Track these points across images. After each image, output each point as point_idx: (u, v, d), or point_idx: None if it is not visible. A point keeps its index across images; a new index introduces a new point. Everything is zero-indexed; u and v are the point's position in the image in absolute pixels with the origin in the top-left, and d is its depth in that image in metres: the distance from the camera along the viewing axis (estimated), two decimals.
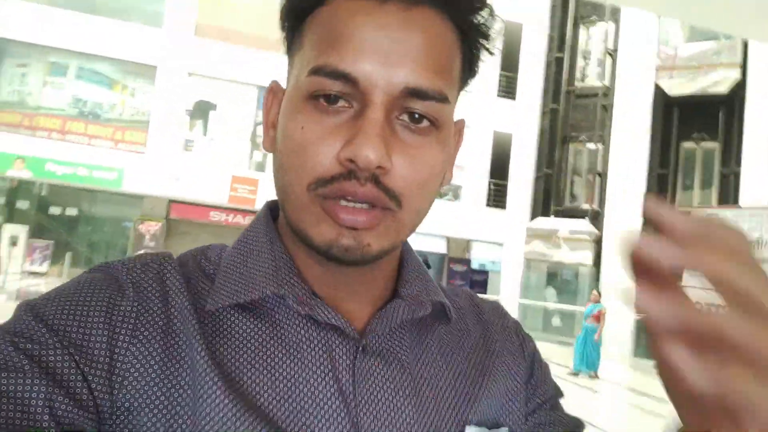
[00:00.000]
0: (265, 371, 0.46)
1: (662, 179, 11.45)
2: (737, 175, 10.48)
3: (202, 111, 12.22)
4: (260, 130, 12.54)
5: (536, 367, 0.59)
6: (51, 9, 11.31)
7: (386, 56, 0.43)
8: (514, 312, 9.96)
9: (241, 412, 0.43)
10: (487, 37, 0.49)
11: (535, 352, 0.60)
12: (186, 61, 11.91)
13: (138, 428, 0.42)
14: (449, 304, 0.54)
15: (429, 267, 0.55)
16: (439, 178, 0.49)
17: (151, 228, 11.79)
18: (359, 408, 0.46)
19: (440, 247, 13.34)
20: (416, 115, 0.45)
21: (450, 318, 0.54)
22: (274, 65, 10.79)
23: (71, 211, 12.49)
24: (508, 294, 12.92)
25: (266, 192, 11.19)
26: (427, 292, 0.53)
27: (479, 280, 13.45)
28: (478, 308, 0.60)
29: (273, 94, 0.52)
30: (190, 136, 12.16)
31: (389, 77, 0.43)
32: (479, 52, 0.50)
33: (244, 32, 11.81)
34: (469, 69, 0.50)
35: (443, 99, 0.45)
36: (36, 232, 11.89)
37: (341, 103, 0.44)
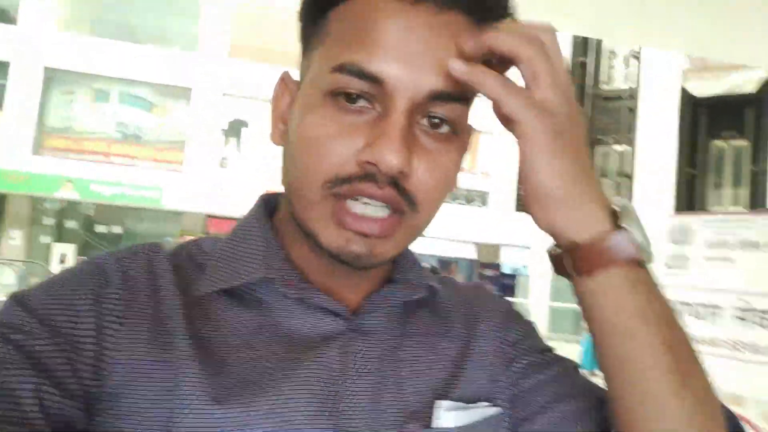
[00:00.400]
0: (252, 353, 0.46)
1: (691, 179, 11.39)
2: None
3: (235, 129, 12.71)
4: None
5: (519, 330, 0.58)
6: (93, 39, 12.00)
7: (414, 59, 0.42)
8: (544, 315, 10.02)
9: (219, 393, 0.43)
10: None
11: (518, 317, 0.60)
12: (219, 81, 12.44)
13: (126, 413, 0.42)
14: (439, 288, 0.55)
15: (436, 273, 0.60)
16: (454, 183, 0.48)
17: None
18: (344, 386, 0.47)
19: (470, 253, 13.48)
20: (436, 120, 0.45)
21: (438, 302, 0.55)
22: None
23: (116, 229, 13.11)
24: (537, 297, 12.96)
25: None
26: (420, 277, 0.54)
27: (509, 284, 13.52)
28: (460, 292, 0.59)
29: (284, 85, 0.51)
30: (225, 153, 12.65)
31: (416, 81, 0.42)
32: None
33: (275, 51, 12.28)
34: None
35: (464, 100, 0.45)
36: (83, 250, 12.51)
37: (362, 103, 0.43)
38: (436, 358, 0.53)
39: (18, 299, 0.43)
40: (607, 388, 0.48)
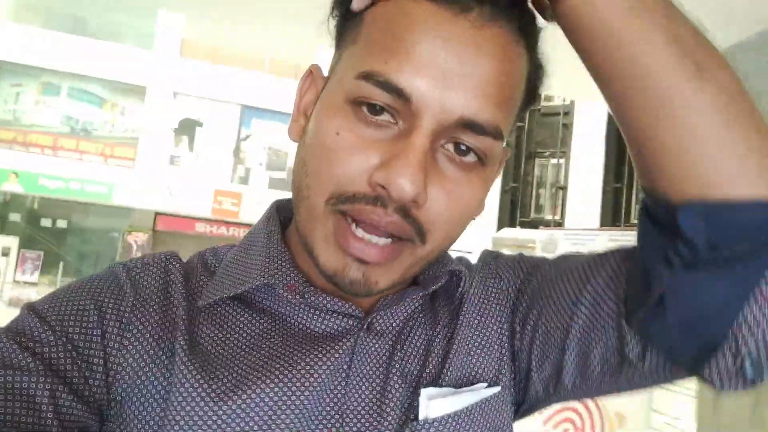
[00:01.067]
0: (257, 353, 0.45)
1: (617, 192, 12.32)
2: None
3: (188, 128, 12.86)
4: (244, 145, 13.18)
5: (510, 274, 0.54)
6: (44, 31, 11.91)
7: (447, 78, 0.38)
8: None
9: (214, 402, 0.42)
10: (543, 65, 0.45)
11: (498, 266, 0.55)
12: (172, 81, 12.57)
13: (128, 419, 0.42)
14: (464, 271, 0.51)
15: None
16: (474, 215, 0.45)
17: (138, 239, 12.36)
18: (351, 385, 0.45)
19: None
20: (462, 147, 0.41)
21: (461, 287, 0.51)
22: (257, 84, 11.54)
23: (61, 223, 13.02)
24: None
25: (249, 205, 11.89)
26: (442, 265, 0.51)
27: None
28: (472, 271, 0.55)
29: (311, 79, 0.48)
30: (177, 152, 12.78)
31: (445, 102, 0.38)
32: (543, 77, 0.46)
33: (228, 52, 12.48)
34: (531, 97, 0.46)
35: (498, 135, 0.41)
36: (27, 244, 12.38)
37: (385, 116, 0.40)
38: (431, 346, 0.49)
39: (32, 308, 0.43)
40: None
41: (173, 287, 0.47)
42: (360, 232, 0.41)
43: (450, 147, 0.41)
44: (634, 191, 12.38)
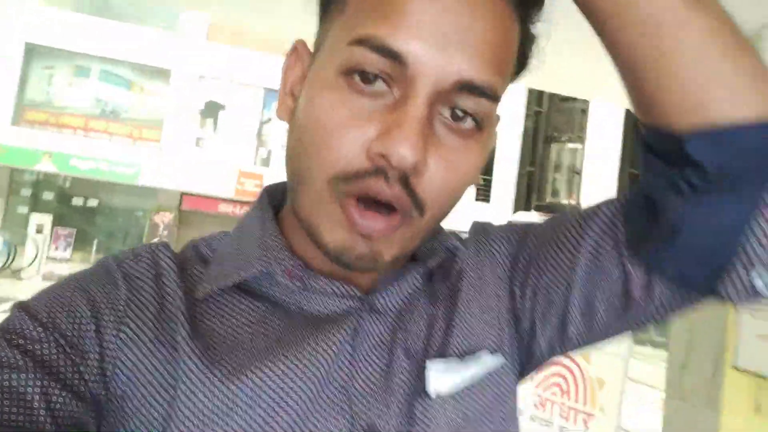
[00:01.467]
0: (259, 338, 0.45)
1: (634, 178, 12.42)
2: None
3: (212, 111, 13.17)
4: (266, 129, 13.33)
5: (502, 245, 0.54)
6: (75, 15, 12.25)
7: (444, 40, 0.37)
8: None
9: (223, 384, 0.42)
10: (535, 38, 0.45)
11: (491, 237, 0.55)
12: (197, 64, 12.86)
13: (130, 414, 0.42)
14: (460, 247, 0.52)
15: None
16: (470, 184, 0.43)
17: (165, 218, 12.79)
18: (357, 365, 0.45)
19: None
20: (459, 113, 0.40)
21: (461, 263, 0.52)
22: (280, 68, 11.69)
23: (92, 203, 13.51)
24: None
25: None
26: (438, 241, 0.51)
27: None
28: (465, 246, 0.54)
29: (296, 55, 0.47)
30: (201, 134, 13.12)
31: (443, 65, 0.37)
32: (533, 48, 0.45)
33: (252, 36, 12.66)
34: (522, 65, 0.45)
35: (495, 98, 0.40)
36: (59, 221, 12.86)
37: (380, 85, 0.39)
38: (433, 322, 0.50)
39: (22, 306, 0.43)
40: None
41: (167, 278, 0.46)
42: (368, 208, 0.41)
43: (447, 113, 0.40)
44: None
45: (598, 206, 0.50)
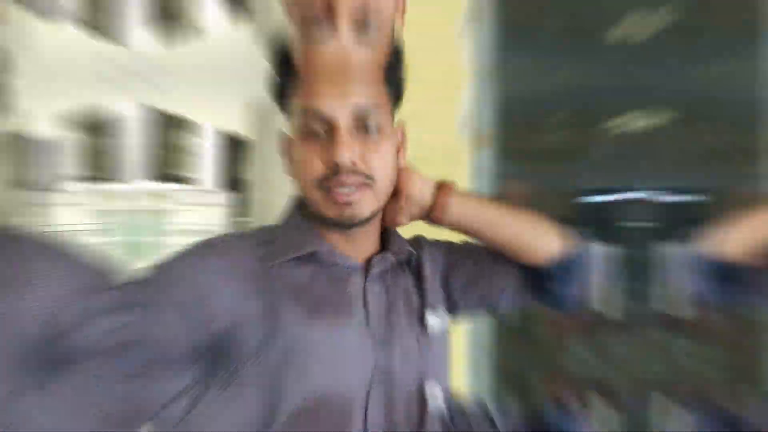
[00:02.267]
0: (313, 291, 0.71)
1: None
2: None
3: None
4: None
5: (436, 253, 0.85)
6: None
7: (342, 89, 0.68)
8: None
9: (307, 323, 0.68)
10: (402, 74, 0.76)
11: (432, 248, 0.85)
12: None
13: (238, 343, 0.66)
14: (414, 252, 0.81)
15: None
16: (395, 161, 0.74)
17: None
18: (369, 312, 0.73)
19: None
20: (366, 125, 0.69)
21: (411, 262, 0.81)
22: None
23: None
24: None
25: None
26: (403, 245, 0.81)
27: None
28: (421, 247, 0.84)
29: (285, 142, 0.76)
30: None
31: (344, 102, 0.68)
32: (402, 63, 0.74)
33: None
34: (397, 92, 0.75)
35: (379, 109, 0.70)
36: None
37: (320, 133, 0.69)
38: (409, 287, 0.80)
39: (157, 265, 0.69)
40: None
41: (250, 252, 0.72)
42: (342, 190, 0.69)
43: (363, 130, 0.69)
44: None
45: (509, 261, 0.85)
